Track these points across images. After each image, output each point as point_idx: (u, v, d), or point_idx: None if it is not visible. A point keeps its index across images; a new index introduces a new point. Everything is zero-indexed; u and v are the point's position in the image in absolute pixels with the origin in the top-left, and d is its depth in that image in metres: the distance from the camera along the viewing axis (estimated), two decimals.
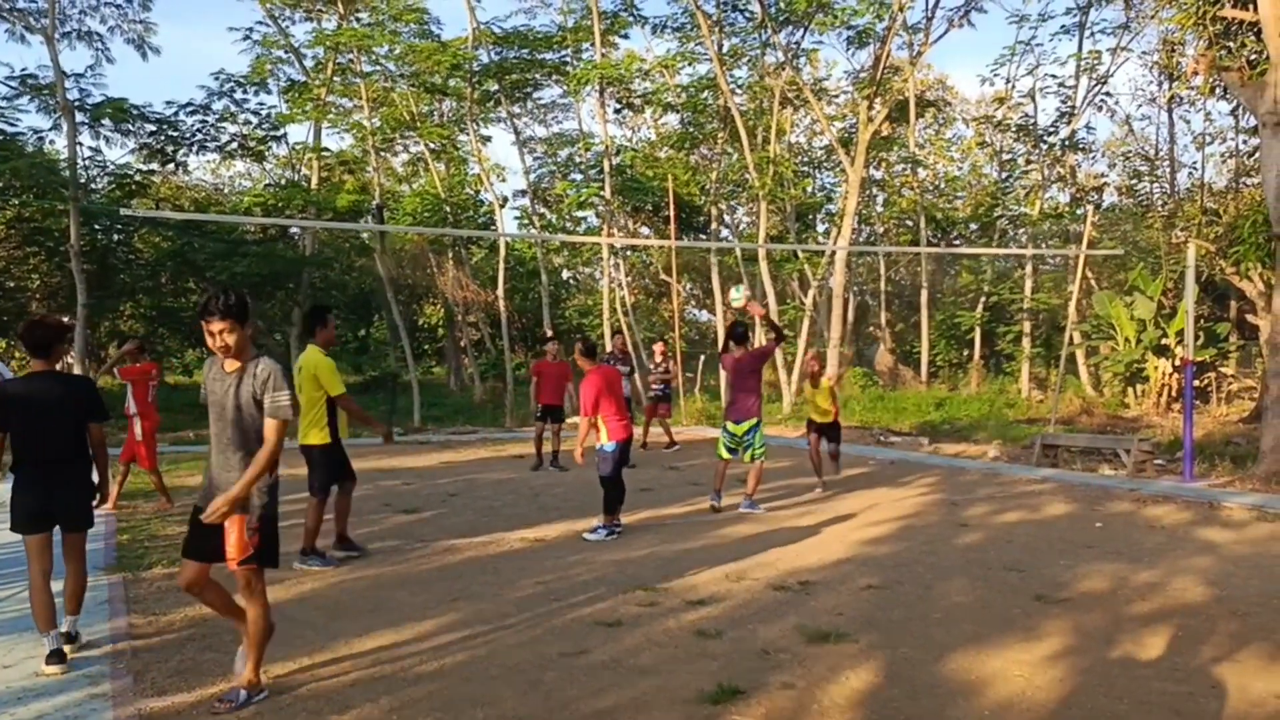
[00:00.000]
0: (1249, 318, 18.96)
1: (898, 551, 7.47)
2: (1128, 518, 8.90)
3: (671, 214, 20.14)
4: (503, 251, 23.45)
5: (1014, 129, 26.37)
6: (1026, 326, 23.43)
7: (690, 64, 24.46)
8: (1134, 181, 26.72)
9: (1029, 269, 24.53)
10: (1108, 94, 24.36)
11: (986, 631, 5.32)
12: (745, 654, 4.94)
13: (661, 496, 10.14)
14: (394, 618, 5.71)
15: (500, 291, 22.79)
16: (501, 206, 24.84)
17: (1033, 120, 25.48)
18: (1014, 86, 25.59)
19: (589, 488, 11.07)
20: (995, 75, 25.71)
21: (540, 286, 23.81)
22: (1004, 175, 27.59)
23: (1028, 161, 26.19)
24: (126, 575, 6.81)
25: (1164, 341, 18.79)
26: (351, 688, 4.54)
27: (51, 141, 21.41)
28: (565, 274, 34.44)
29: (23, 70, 19.85)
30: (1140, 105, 36.22)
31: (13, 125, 19.85)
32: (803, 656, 4.89)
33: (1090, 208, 21.48)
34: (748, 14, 23.02)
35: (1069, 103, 23.99)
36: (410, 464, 13.59)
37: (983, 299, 25.26)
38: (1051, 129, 24.67)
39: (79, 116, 19.39)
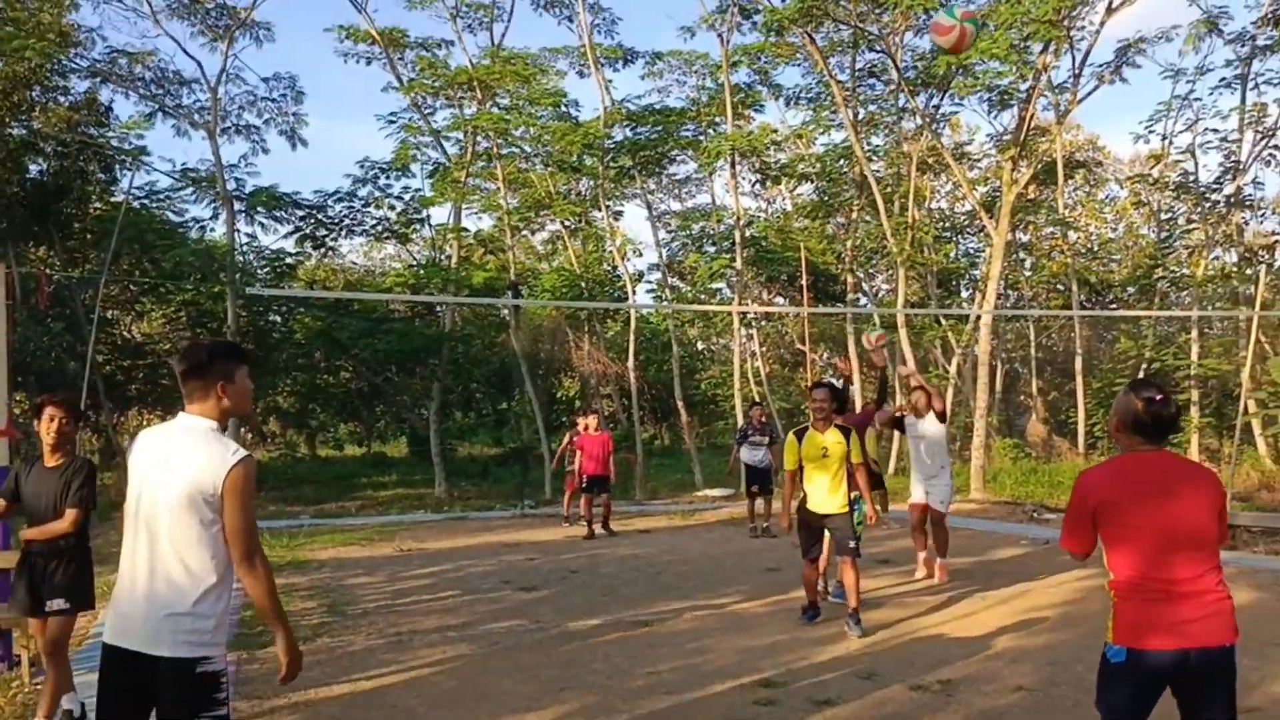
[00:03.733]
0: None
1: (1054, 646, 6.73)
2: None
3: (804, 282, 19.72)
4: (634, 324, 23.49)
5: (1173, 187, 24.89)
6: (1194, 395, 21.73)
7: (825, 131, 24.22)
8: None
9: (1194, 333, 22.86)
10: (1276, 148, 22.68)
11: None
12: None
13: (789, 577, 9.55)
14: (496, 708, 5.42)
15: (631, 364, 22.76)
16: (635, 281, 25.00)
17: (1193, 177, 23.98)
18: (1171, 143, 24.21)
19: (711, 564, 10.67)
20: (1150, 132, 24.30)
21: (672, 358, 23.68)
22: (1163, 235, 26.00)
23: (1189, 221, 24.61)
24: (242, 654, 6.75)
25: None
26: None
27: (211, 230, 22.69)
28: (700, 345, 34.26)
29: (184, 163, 21.34)
30: None
31: (178, 215, 21.27)
32: None
33: (1262, 267, 19.92)
34: (884, 80, 22.67)
35: (1233, 158, 22.48)
36: (536, 538, 13.42)
37: (1144, 365, 23.64)
38: (1215, 186, 23.14)
39: (236, 205, 20.58)
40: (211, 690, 3.12)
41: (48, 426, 5.06)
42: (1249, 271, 22.79)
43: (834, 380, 8.69)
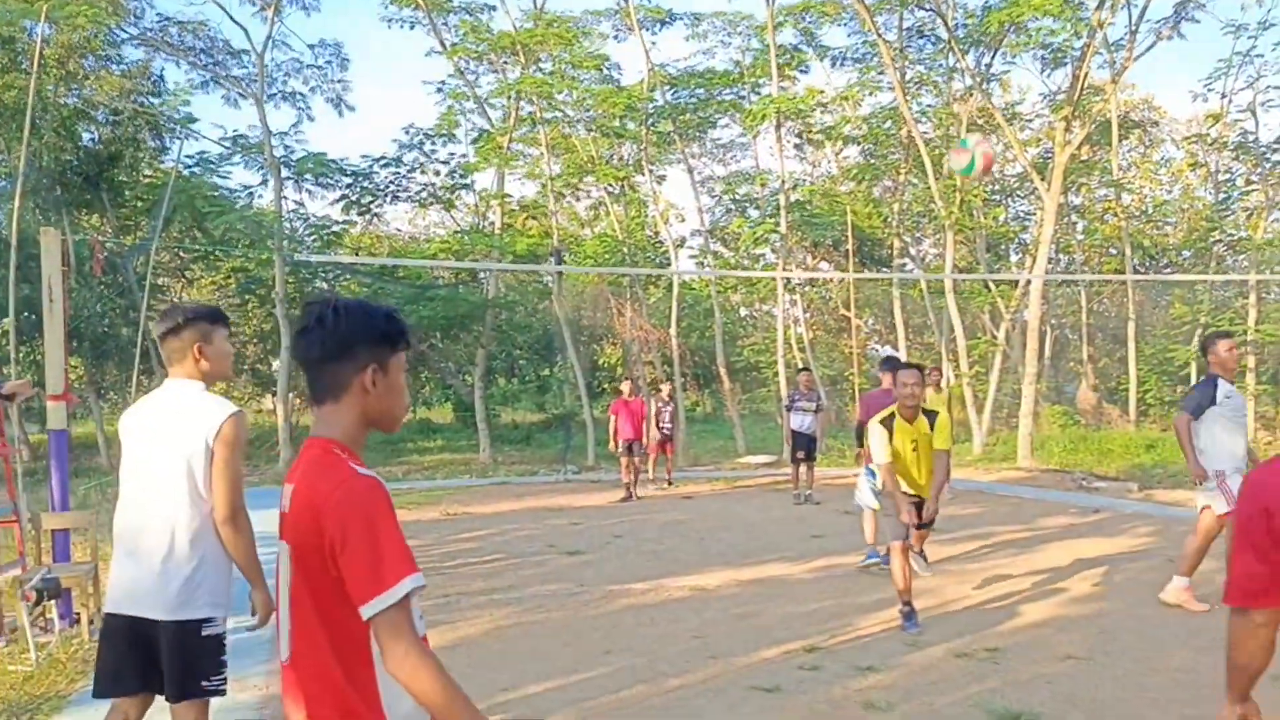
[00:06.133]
0: None
1: (1103, 614, 6.65)
2: None
3: (849, 247, 19.49)
4: (676, 290, 23.41)
5: (1231, 147, 24.18)
6: (1251, 361, 21.23)
7: (872, 93, 23.80)
8: None
9: (1252, 298, 22.28)
10: None
11: (1212, 715, 4.54)
12: None
13: (833, 544, 9.54)
14: (545, 669, 5.47)
15: (673, 330, 22.71)
16: (679, 246, 24.89)
17: (1253, 137, 23.26)
18: (1230, 101, 23.48)
19: (754, 531, 10.67)
20: (1209, 90, 23.62)
21: (715, 324, 23.61)
22: (1221, 197, 25.32)
23: (1248, 182, 23.92)
24: None
25: None
26: None
27: (260, 196, 22.91)
28: (743, 311, 34.09)
29: (234, 131, 21.50)
30: None
31: (225, 179, 21.49)
32: None
33: None
34: (933, 39, 22.19)
35: None
36: (580, 503, 13.53)
37: (1199, 331, 23.13)
38: (1276, 145, 22.43)
39: (284, 172, 20.75)
40: (216, 654, 3.13)
41: None
42: None
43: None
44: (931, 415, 6.66)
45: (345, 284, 24.24)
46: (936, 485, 6.65)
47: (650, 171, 24.38)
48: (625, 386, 14.83)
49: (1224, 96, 23.44)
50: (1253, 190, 23.47)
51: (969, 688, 5.04)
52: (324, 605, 1.88)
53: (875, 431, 6.59)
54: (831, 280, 26.68)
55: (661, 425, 15.11)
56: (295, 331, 2.05)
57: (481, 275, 24.22)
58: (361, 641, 1.87)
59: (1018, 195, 28.45)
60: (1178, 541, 9.56)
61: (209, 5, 37.52)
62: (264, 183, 21.59)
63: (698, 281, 28.86)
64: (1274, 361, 21.76)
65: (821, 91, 24.82)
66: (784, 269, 22.77)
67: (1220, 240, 23.91)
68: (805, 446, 13.24)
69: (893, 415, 6.58)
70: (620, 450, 14.12)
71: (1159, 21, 19.78)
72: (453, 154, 23.40)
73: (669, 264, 24.50)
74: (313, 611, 1.89)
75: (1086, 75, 19.27)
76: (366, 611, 1.78)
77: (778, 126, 22.21)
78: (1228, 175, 25.50)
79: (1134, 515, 11.57)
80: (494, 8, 22.42)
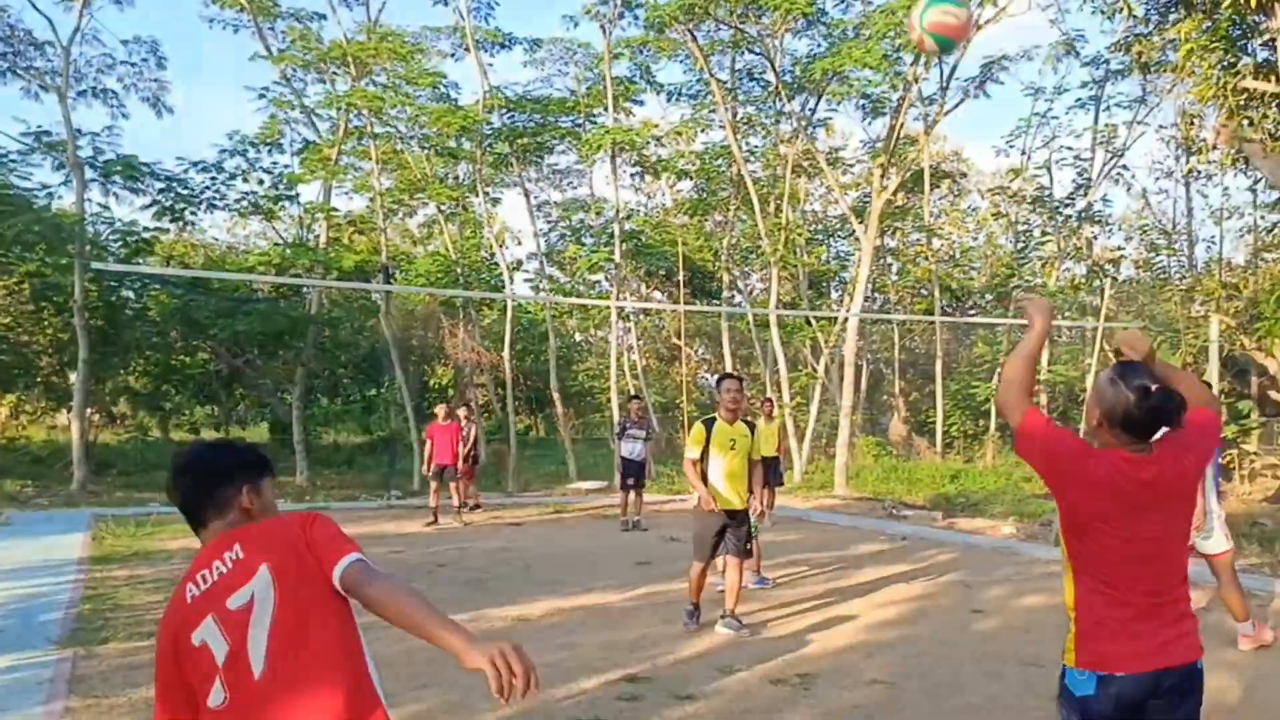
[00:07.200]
0: (1271, 394, 18.44)
1: (907, 639, 6.97)
2: None
3: (681, 278, 19.93)
4: (510, 314, 23.26)
5: (1029, 200, 26.20)
6: (1044, 399, 22.97)
7: (704, 130, 24.48)
8: (1151, 255, 26.45)
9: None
10: (1124, 167, 24.31)
11: None
12: None
13: (658, 571, 9.65)
14: None
15: (507, 354, 22.53)
16: (513, 270, 24.76)
17: (1048, 192, 25.29)
18: (1029, 158, 25.48)
19: (581, 558, 10.67)
20: (1010, 147, 25.64)
21: (549, 349, 23.57)
22: (1019, 246, 27.35)
23: (1043, 233, 25.95)
24: (78, 650, 6.36)
25: None
26: None
27: (60, 198, 21.28)
28: (578, 336, 34.23)
29: (38, 127, 19.90)
30: (1157, 179, 36.19)
31: (24, 179, 19.88)
32: None
33: (1108, 281, 21.17)
34: (762, 82, 23.06)
35: (1085, 175, 23.82)
36: (403, 530, 13.16)
37: (998, 370, 24.81)
38: (1067, 201, 24.46)
39: (90, 173, 19.42)
40: None
41: None
42: (1095, 284, 24.20)
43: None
44: (751, 425, 7.53)
45: (155, 294, 22.86)
46: (757, 484, 7.47)
47: (485, 193, 24.19)
48: (440, 410, 14.42)
49: (1023, 153, 25.42)
50: (1047, 241, 25.47)
51: (783, 715, 5.16)
52: (317, 607, 2.18)
53: (694, 428, 7.43)
54: (664, 310, 27.17)
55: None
56: (171, 477, 2.34)
57: (304, 290, 23.34)
58: (352, 641, 2.20)
59: (838, 236, 29.88)
60: (976, 567, 10.17)
61: None
62: (66, 183, 20.12)
63: (533, 305, 28.79)
64: (1064, 400, 23.54)
65: (656, 125, 25.38)
66: (618, 297, 23.03)
67: (1019, 285, 25.79)
68: (635, 474, 13.39)
69: (714, 418, 7.41)
70: (431, 474, 13.93)
71: (967, 80, 21.35)
72: (276, 163, 22.54)
73: (504, 286, 24.33)
74: (298, 627, 2.15)
75: (902, 126, 20.49)
76: (342, 565, 2.17)
77: (613, 157, 22.52)
78: (1026, 226, 27.61)
79: (937, 542, 12.22)
80: (324, 16, 21.84)
